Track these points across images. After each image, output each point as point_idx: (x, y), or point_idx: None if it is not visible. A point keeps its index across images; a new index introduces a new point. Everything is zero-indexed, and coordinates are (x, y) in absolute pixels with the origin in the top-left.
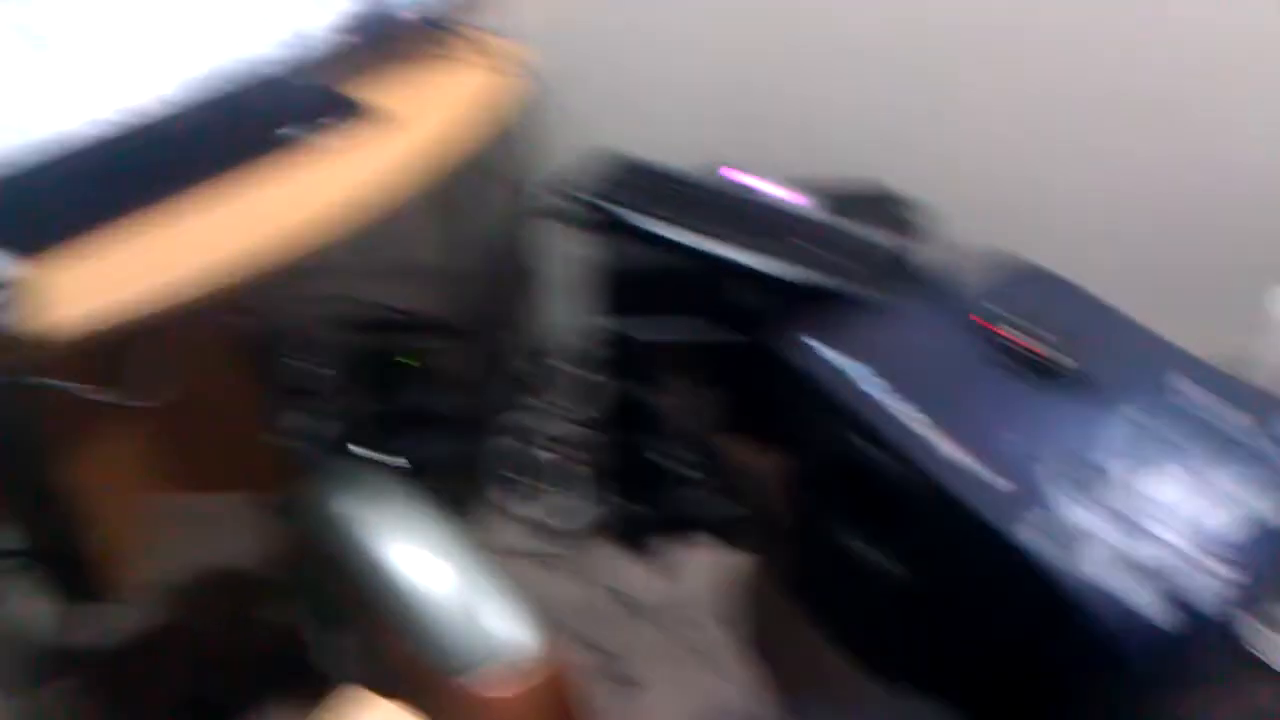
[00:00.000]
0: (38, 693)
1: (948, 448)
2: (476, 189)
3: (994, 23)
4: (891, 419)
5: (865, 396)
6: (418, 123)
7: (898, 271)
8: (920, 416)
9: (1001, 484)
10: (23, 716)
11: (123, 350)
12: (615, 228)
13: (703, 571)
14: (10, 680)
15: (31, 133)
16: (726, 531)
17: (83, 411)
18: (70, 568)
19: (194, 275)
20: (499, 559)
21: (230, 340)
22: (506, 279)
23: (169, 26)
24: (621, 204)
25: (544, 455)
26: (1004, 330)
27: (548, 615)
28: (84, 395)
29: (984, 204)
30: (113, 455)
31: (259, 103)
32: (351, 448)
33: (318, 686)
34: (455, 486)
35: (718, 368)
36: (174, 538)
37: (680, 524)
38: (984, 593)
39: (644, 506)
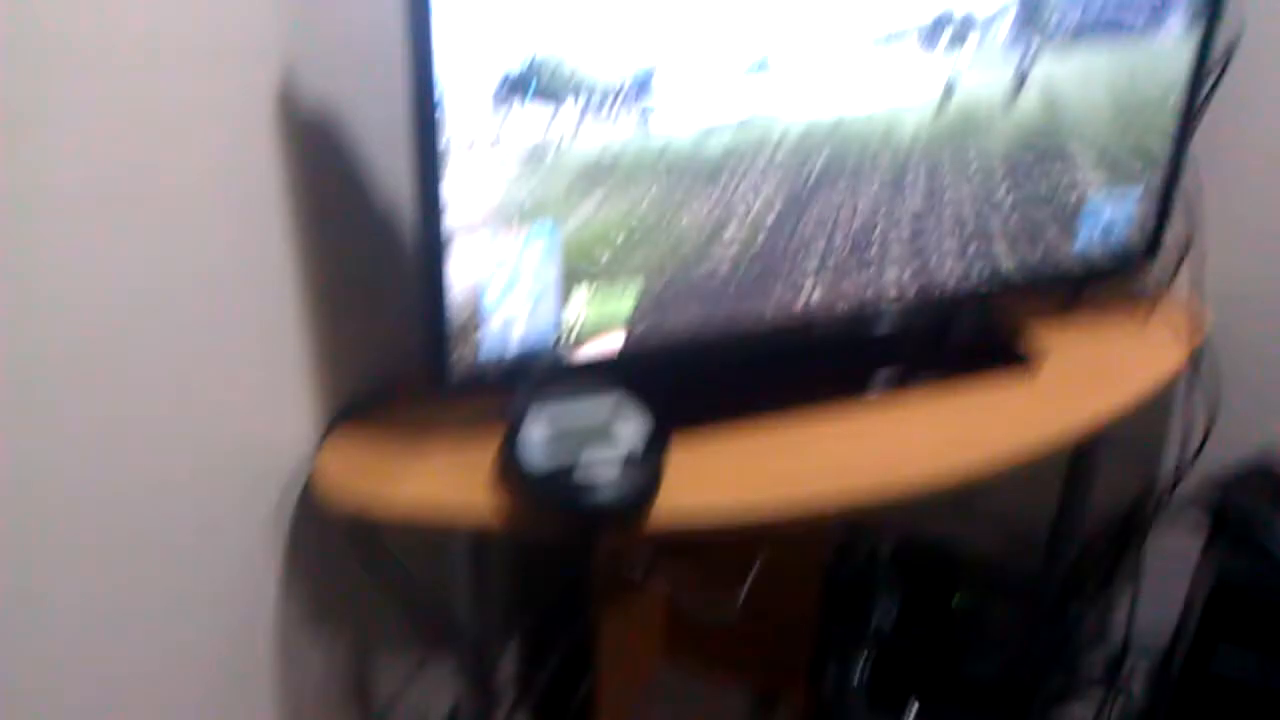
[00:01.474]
0: None
1: None
2: (1108, 455)
3: None
4: None
5: None
6: (1072, 375)
7: None
8: None
9: None
10: None
11: (715, 553)
12: (1253, 540)
13: None
14: None
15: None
16: None
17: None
18: (565, 708)
19: (804, 494)
20: None
21: (804, 558)
22: (1105, 559)
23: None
24: (1272, 516)
25: None
26: None
27: None
28: (667, 593)
29: None
30: (645, 620)
31: (947, 325)
32: (881, 687)
33: None
34: None
35: None
36: (667, 711)
37: None
38: None
39: None
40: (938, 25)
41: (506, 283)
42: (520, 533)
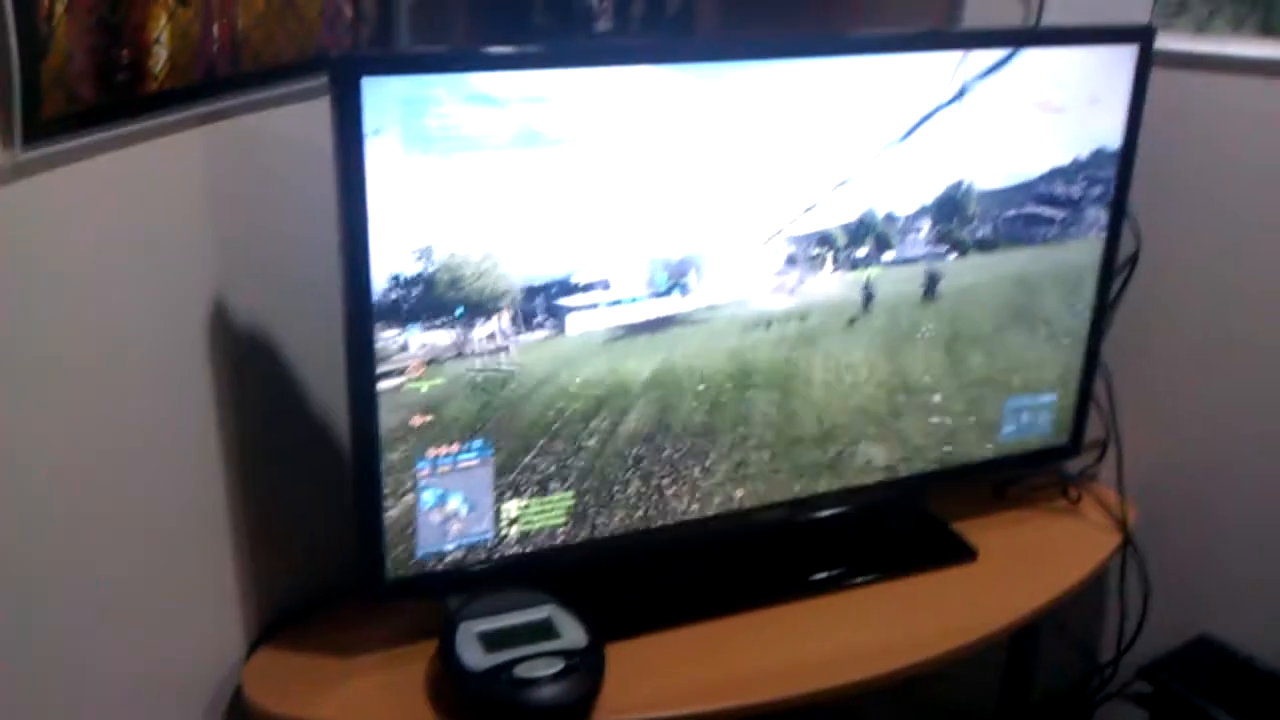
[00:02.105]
0: None
1: None
2: (1048, 640)
3: None
4: None
5: None
6: (1005, 565)
7: None
8: None
9: None
10: None
11: None
12: None
13: None
14: None
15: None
16: None
17: None
18: None
19: (746, 694)
20: None
21: None
22: None
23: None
24: (1210, 698)
25: None
26: None
27: None
28: None
29: None
30: None
31: (880, 519)
32: None
33: None
34: None
35: None
36: None
37: None
38: None
39: None
40: (858, 230)
41: (439, 494)
42: None
